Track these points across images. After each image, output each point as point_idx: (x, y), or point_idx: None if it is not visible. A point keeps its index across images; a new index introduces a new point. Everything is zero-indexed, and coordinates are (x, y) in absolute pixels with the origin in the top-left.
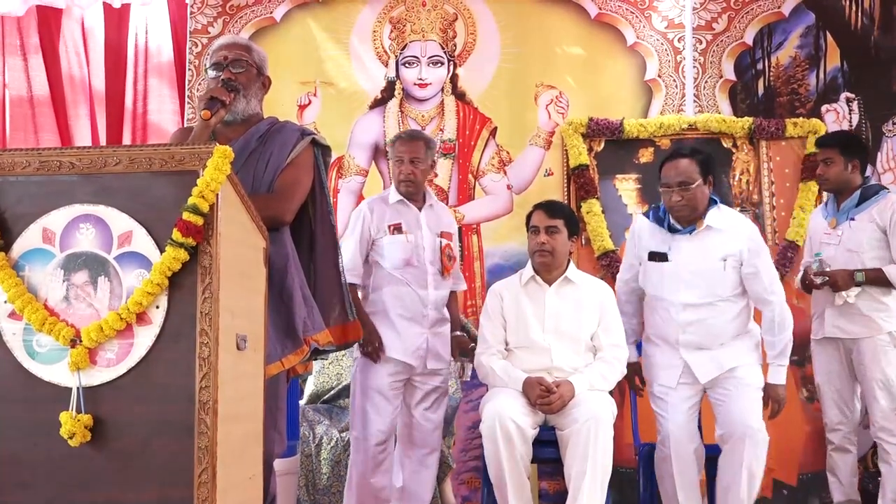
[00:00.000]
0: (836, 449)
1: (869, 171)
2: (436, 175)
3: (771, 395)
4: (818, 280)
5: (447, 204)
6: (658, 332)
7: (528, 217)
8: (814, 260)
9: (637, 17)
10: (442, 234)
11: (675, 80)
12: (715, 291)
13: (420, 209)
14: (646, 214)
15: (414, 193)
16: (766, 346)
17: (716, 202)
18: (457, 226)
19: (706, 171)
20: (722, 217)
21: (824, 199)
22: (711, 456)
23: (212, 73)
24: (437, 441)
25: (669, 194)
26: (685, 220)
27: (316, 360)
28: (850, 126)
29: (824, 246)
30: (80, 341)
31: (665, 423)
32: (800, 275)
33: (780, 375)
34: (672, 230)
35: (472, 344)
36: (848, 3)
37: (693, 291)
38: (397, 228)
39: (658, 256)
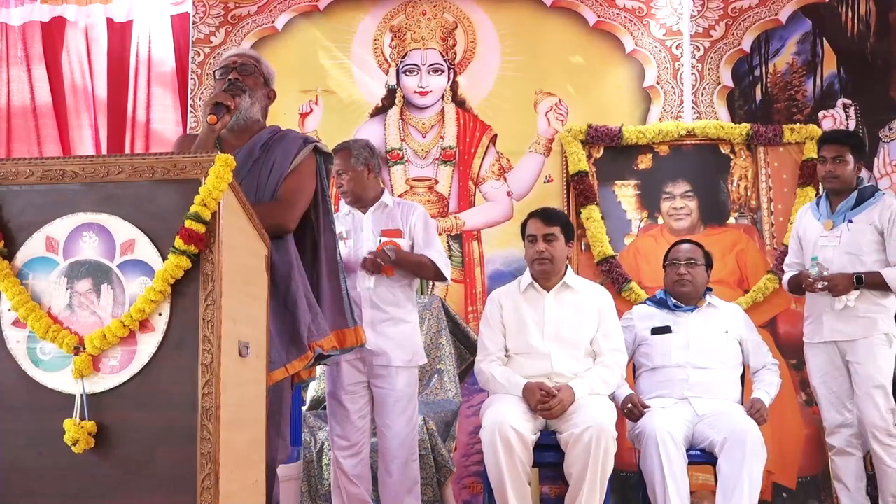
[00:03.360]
0: (837, 453)
1: (865, 175)
2: (436, 181)
3: (755, 406)
4: (819, 285)
5: (447, 211)
6: (661, 395)
7: (523, 225)
8: (812, 264)
9: (635, 24)
10: (384, 233)
11: (673, 87)
12: (720, 358)
13: (366, 212)
14: (644, 302)
15: (356, 201)
16: (761, 385)
17: (710, 289)
18: (421, 221)
19: (708, 260)
20: (716, 301)
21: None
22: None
23: (219, 75)
24: (400, 450)
25: (677, 267)
26: (687, 297)
27: (319, 365)
28: None
29: (821, 248)
30: (84, 349)
31: (645, 422)
32: (786, 276)
33: (767, 398)
34: (675, 308)
35: (388, 256)
36: (844, 10)
37: (700, 356)
38: (340, 236)
39: (661, 330)
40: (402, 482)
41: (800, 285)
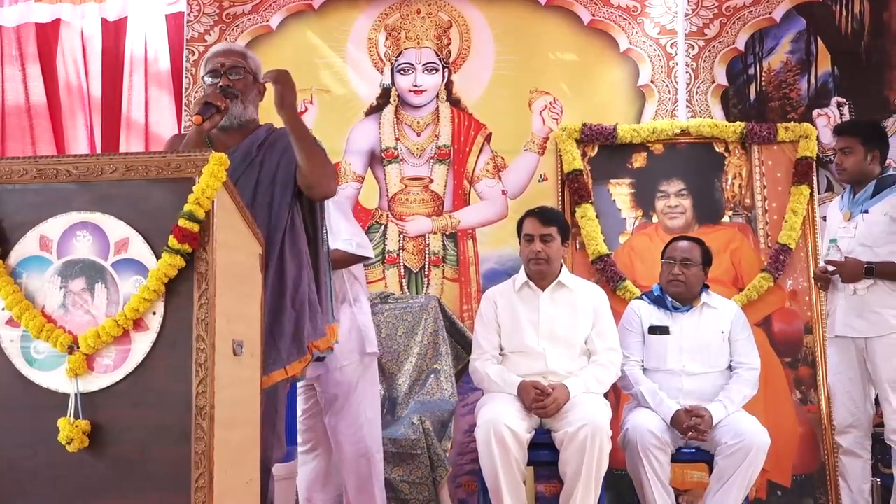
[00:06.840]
0: (845, 453)
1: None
2: (430, 180)
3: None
4: (829, 268)
5: (442, 210)
6: None
7: (520, 223)
8: (829, 245)
9: (630, 23)
10: None
11: (667, 86)
12: (715, 362)
13: None
14: (641, 298)
15: None
16: (731, 393)
17: (707, 287)
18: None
19: (706, 258)
20: (713, 298)
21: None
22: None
23: (209, 80)
24: (345, 446)
25: (672, 266)
26: (681, 297)
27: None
28: None
29: (840, 240)
30: (78, 348)
31: (631, 424)
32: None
33: (721, 413)
34: (672, 308)
35: None
36: (838, 8)
37: (695, 362)
38: None
39: (659, 330)
40: (350, 479)
41: (820, 278)
